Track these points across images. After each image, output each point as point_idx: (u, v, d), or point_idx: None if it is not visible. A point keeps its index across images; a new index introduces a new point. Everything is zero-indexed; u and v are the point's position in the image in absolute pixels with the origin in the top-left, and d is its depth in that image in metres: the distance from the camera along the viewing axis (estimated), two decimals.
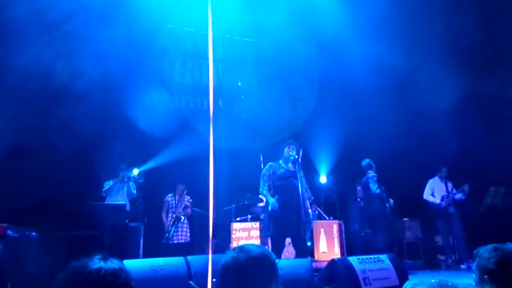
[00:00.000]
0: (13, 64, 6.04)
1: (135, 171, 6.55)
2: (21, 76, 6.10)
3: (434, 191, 7.06)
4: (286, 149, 5.10)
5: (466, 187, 6.83)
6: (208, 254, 2.94)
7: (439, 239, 7.85)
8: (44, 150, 6.11)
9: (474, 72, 7.43)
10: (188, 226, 6.66)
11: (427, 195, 7.08)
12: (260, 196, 6.44)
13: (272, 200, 4.88)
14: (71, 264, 1.15)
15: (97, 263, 1.14)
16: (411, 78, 8.02)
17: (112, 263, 1.16)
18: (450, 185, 7.06)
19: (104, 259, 1.16)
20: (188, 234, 6.62)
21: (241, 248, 1.45)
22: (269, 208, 4.96)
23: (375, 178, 6.42)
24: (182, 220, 6.56)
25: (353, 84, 8.13)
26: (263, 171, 5.12)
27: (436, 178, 7.11)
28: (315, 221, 6.94)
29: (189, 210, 6.64)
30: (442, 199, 6.88)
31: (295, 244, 5.11)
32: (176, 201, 6.67)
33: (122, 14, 6.93)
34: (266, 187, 5.01)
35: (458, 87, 7.36)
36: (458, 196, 6.88)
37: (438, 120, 7.79)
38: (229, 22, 7.76)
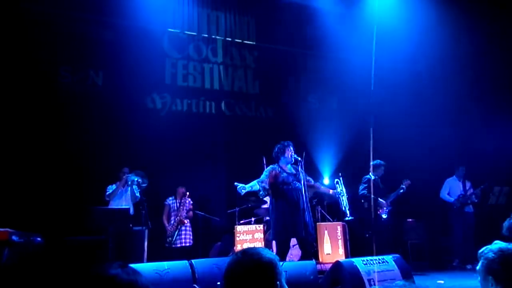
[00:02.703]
0: (15, 66, 6.07)
1: (138, 175, 6.54)
2: (23, 78, 6.14)
3: (451, 190, 7.03)
4: (285, 152, 5.08)
5: (478, 192, 6.80)
6: (211, 257, 2.94)
7: (443, 240, 7.82)
8: (47, 154, 6.13)
9: (478, 72, 7.41)
10: (191, 229, 6.65)
11: (443, 194, 7.07)
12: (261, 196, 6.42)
13: (240, 185, 4.86)
14: (89, 269, 1.18)
15: (114, 269, 1.16)
16: (413, 78, 8.01)
17: (129, 270, 1.18)
18: (468, 184, 7.00)
19: (122, 266, 1.18)
20: (191, 238, 6.61)
21: (244, 252, 1.45)
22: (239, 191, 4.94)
23: (365, 180, 6.52)
24: (185, 223, 6.55)
25: (356, 85, 8.12)
26: (262, 176, 5.08)
27: (454, 177, 7.08)
28: (318, 223, 6.92)
29: (191, 213, 6.63)
30: (457, 198, 6.86)
31: (301, 246, 5.09)
32: (178, 204, 6.66)
33: (123, 18, 6.97)
34: (256, 184, 4.95)
35: (461, 87, 7.36)
36: (472, 197, 6.85)
37: (441, 121, 7.77)
38: (230, 25, 7.79)
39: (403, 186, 6.45)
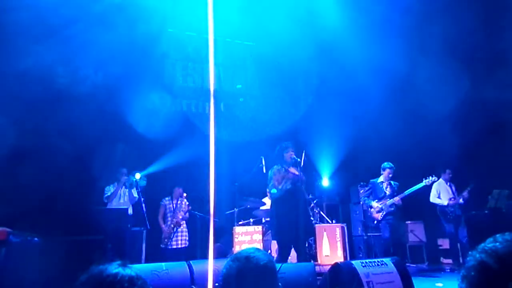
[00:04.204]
0: (14, 67, 6.06)
1: (137, 175, 6.54)
2: (22, 80, 6.12)
3: (441, 193, 7.03)
4: (285, 153, 5.08)
5: (466, 194, 6.82)
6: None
7: (442, 242, 7.82)
8: (46, 154, 6.11)
9: (476, 74, 7.41)
10: (187, 230, 6.62)
11: (433, 198, 7.06)
12: (267, 195, 6.42)
13: (274, 190, 4.88)
14: (92, 267, 1.21)
15: (115, 268, 1.19)
16: (412, 80, 8.01)
17: (130, 270, 1.20)
18: (453, 187, 7.05)
19: (123, 265, 1.21)
20: (187, 239, 6.59)
21: (247, 258, 1.45)
22: (271, 197, 4.99)
23: (369, 183, 6.58)
24: (182, 225, 6.52)
25: (354, 87, 8.13)
26: (271, 173, 5.08)
27: (441, 181, 7.09)
28: (317, 224, 6.92)
29: (187, 215, 6.61)
30: (450, 201, 6.88)
31: (296, 249, 5.10)
32: (174, 205, 6.62)
33: (123, 18, 6.96)
34: (272, 186, 4.97)
35: (459, 89, 7.35)
36: (459, 200, 6.88)
37: (440, 123, 7.77)
38: (230, 26, 7.78)
39: (405, 193, 6.40)
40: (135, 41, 7.11)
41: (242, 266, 1.42)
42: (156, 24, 7.49)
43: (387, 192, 6.35)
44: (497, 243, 1.22)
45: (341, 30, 7.77)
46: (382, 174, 6.46)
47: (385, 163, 6.48)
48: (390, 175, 6.43)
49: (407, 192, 6.30)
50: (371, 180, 6.61)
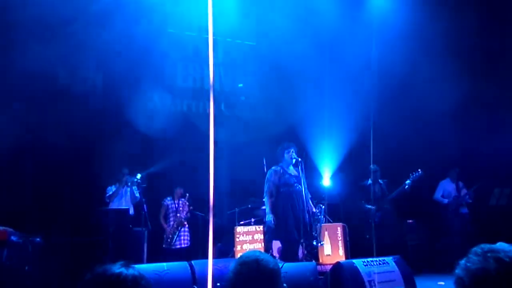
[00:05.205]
0: (14, 66, 6.06)
1: (138, 176, 6.54)
2: (23, 79, 6.12)
3: (445, 192, 7.07)
4: (286, 154, 5.10)
5: (471, 193, 6.85)
6: (212, 258, 2.92)
7: (444, 241, 7.81)
8: (47, 155, 6.12)
9: (477, 73, 7.40)
10: (188, 230, 6.64)
11: (437, 196, 7.10)
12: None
13: (269, 218, 4.94)
14: (95, 266, 1.23)
15: (118, 267, 1.20)
16: (414, 79, 8.00)
17: (133, 270, 1.21)
18: (461, 185, 7.07)
19: (126, 265, 1.23)
20: (189, 239, 6.61)
21: (256, 261, 1.48)
22: (266, 220, 5.07)
23: (359, 186, 6.75)
24: (185, 225, 6.54)
25: (355, 86, 8.11)
26: (267, 176, 5.10)
27: (448, 179, 7.13)
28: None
29: (188, 215, 6.62)
30: (453, 200, 6.91)
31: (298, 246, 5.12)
32: (176, 205, 6.63)
33: (123, 18, 6.95)
34: (267, 196, 4.99)
35: (460, 88, 7.34)
36: (466, 198, 6.91)
37: (441, 122, 7.76)
38: (231, 26, 7.78)
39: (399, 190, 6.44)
40: (135, 41, 7.10)
41: (253, 270, 1.45)
42: (156, 24, 7.48)
43: (379, 192, 6.46)
44: (471, 258, 1.29)
45: (342, 30, 7.76)
46: (371, 176, 6.56)
47: (371, 166, 6.59)
48: (378, 176, 6.53)
49: (394, 193, 6.39)
50: (361, 184, 6.72)
